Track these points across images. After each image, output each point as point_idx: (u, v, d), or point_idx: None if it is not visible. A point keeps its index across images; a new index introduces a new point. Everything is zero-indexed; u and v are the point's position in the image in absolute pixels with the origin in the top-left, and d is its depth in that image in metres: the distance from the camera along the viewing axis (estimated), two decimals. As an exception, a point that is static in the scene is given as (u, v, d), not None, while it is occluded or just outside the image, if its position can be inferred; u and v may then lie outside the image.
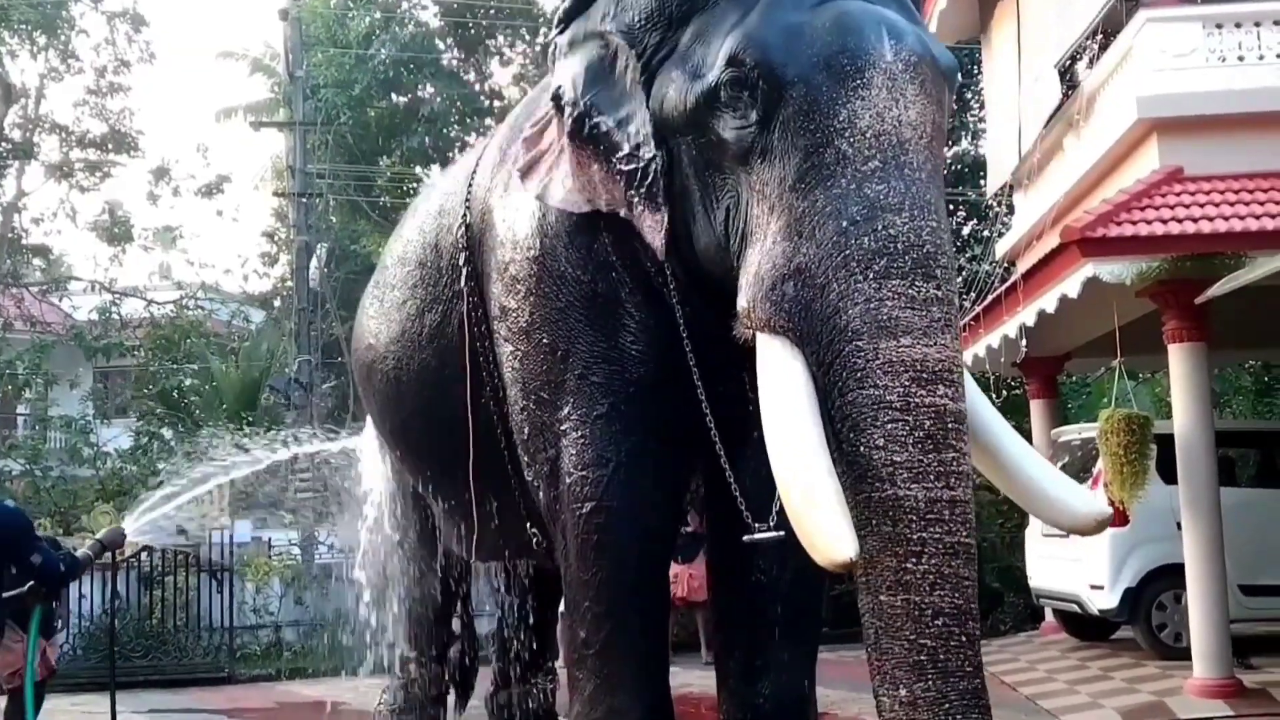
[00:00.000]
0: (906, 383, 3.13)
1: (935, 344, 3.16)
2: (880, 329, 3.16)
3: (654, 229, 3.76)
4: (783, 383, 3.31)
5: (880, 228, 3.20)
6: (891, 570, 3.14)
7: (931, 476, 3.11)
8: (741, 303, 3.44)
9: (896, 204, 3.22)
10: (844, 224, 3.23)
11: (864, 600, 3.23)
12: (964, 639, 3.14)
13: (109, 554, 6.46)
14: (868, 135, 3.28)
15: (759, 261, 3.39)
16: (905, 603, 3.13)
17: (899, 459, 3.12)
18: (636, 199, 3.78)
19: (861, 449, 3.17)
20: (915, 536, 3.11)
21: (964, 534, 3.14)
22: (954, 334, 3.23)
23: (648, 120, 3.75)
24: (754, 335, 3.42)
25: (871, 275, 3.18)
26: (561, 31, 4.08)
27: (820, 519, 3.12)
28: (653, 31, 3.76)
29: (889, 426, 3.12)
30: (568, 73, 3.96)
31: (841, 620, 7.12)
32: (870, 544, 3.15)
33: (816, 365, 3.27)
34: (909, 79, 3.34)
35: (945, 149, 3.72)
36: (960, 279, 20.89)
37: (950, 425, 3.15)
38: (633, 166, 3.77)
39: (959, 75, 3.63)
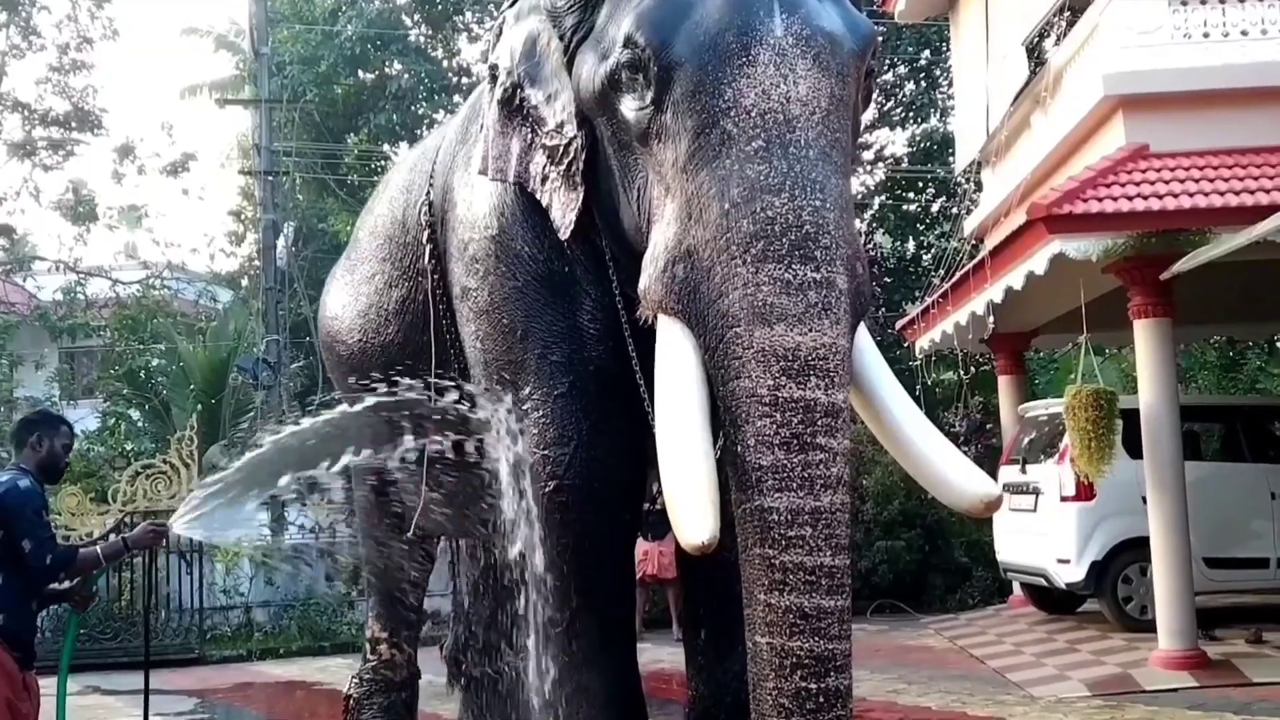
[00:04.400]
0: (777, 374, 3.05)
1: (810, 331, 3.06)
2: (755, 315, 3.09)
3: (564, 207, 3.78)
4: (672, 366, 3.29)
5: (758, 209, 3.13)
6: (761, 605, 3.07)
7: (795, 483, 3.02)
8: (641, 284, 3.42)
9: (777, 184, 3.13)
10: (726, 206, 3.18)
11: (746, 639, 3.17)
12: (822, 699, 3.02)
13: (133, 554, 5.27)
14: (752, 114, 3.19)
15: (655, 242, 3.39)
16: (770, 648, 3.06)
17: (765, 462, 3.04)
18: (554, 176, 3.80)
19: (738, 449, 3.11)
20: (779, 561, 3.01)
21: (827, 554, 3.02)
22: (834, 319, 3.10)
23: (571, 100, 3.75)
24: (654, 317, 3.40)
25: (749, 259, 3.12)
26: (513, 4, 4.12)
27: (683, 500, 3.10)
28: (572, 13, 3.77)
29: (759, 424, 3.06)
30: (507, 44, 4.01)
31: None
32: (748, 571, 3.10)
33: (704, 350, 3.23)
34: (800, 53, 3.24)
35: (858, 121, 3.61)
36: (929, 255, 21.03)
37: (820, 422, 3.04)
38: (556, 143, 3.79)
39: (875, 43, 3.53)
